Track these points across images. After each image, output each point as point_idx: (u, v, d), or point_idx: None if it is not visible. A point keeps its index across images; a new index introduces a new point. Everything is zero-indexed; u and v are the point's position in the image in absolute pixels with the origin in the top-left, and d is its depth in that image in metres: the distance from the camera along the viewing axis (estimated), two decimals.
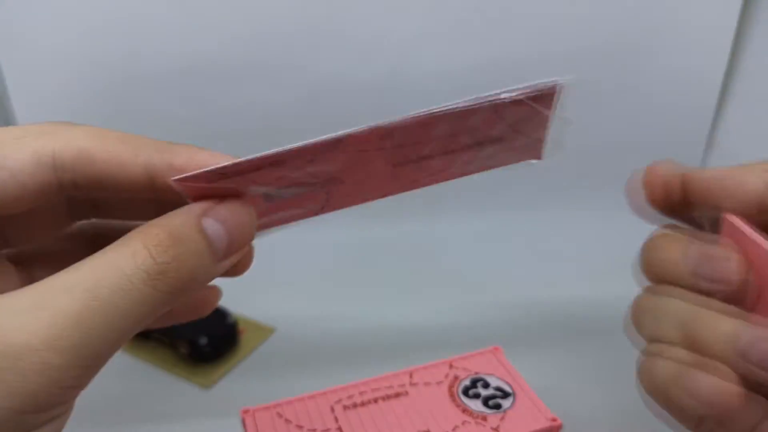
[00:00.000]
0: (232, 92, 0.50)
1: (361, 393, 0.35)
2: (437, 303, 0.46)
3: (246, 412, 0.33)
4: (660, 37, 0.51)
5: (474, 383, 0.35)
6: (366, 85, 0.50)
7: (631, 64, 0.52)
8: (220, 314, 0.41)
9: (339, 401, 0.34)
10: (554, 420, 0.33)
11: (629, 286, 0.45)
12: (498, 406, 0.34)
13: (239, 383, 0.39)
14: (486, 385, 0.35)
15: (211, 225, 0.19)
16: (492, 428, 0.32)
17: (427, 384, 0.35)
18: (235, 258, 0.20)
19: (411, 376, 0.36)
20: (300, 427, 0.33)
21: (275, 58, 0.49)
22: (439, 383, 0.35)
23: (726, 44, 0.51)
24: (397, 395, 0.34)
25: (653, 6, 0.50)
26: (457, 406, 0.34)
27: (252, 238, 0.21)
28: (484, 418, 0.33)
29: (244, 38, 0.49)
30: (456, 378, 0.36)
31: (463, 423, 0.33)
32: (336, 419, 0.33)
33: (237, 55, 0.49)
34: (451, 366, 0.37)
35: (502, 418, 0.33)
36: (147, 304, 0.18)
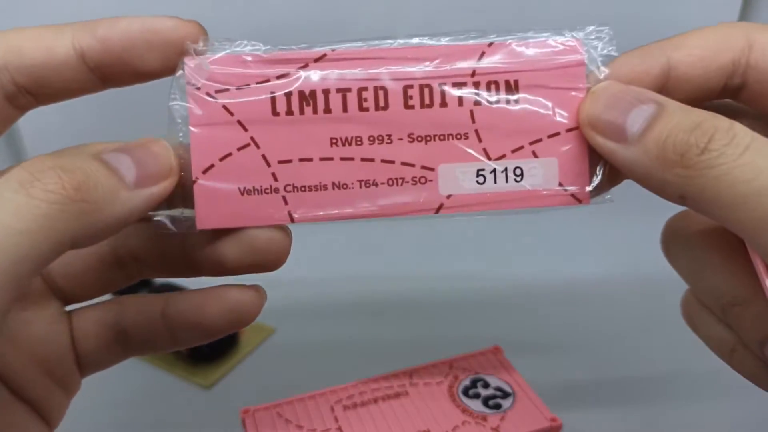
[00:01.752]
0: None
1: (361, 393, 0.35)
2: (437, 303, 0.46)
3: (246, 412, 0.33)
4: (659, 37, 0.51)
5: (474, 383, 0.35)
6: None
7: None
8: None
9: (339, 401, 0.34)
10: (554, 420, 0.33)
11: (630, 286, 0.45)
12: (498, 406, 0.34)
13: (239, 383, 0.39)
14: (486, 385, 0.35)
15: (111, 155, 0.18)
16: (492, 428, 0.32)
17: (427, 384, 0.35)
18: (158, 189, 0.19)
19: (411, 376, 0.36)
20: (300, 427, 0.33)
21: None
22: (439, 383, 0.35)
23: None
24: (397, 395, 0.34)
25: (652, 6, 0.50)
26: (457, 406, 0.34)
27: (170, 167, 0.19)
28: (484, 418, 0.33)
29: (244, 36, 0.49)
30: (456, 378, 0.36)
31: (463, 423, 0.33)
32: (336, 419, 0.33)
33: None
34: (451, 366, 0.37)
35: (502, 418, 0.33)
36: (24, 216, 0.16)
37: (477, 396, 0.34)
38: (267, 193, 0.20)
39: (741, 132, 0.17)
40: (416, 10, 0.49)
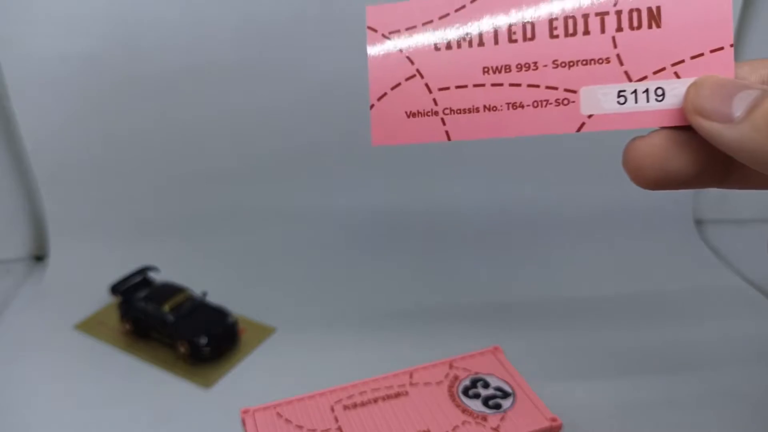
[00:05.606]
0: (233, 91, 0.50)
1: (361, 393, 0.35)
2: (437, 302, 0.46)
3: (246, 412, 0.33)
4: None
5: (474, 383, 0.35)
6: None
7: None
8: (220, 314, 0.41)
9: (339, 401, 0.34)
10: (554, 420, 0.33)
11: (630, 285, 0.45)
12: (498, 406, 0.34)
13: (239, 383, 0.39)
14: (486, 385, 0.35)
15: None
16: (492, 428, 0.32)
17: (427, 384, 0.35)
18: None
19: (411, 376, 0.36)
20: (300, 427, 0.33)
21: (276, 56, 0.49)
22: (439, 383, 0.35)
23: None
24: (397, 395, 0.34)
25: None
26: (457, 406, 0.34)
27: None
28: (484, 418, 0.33)
29: (244, 37, 0.49)
30: (456, 378, 0.36)
31: (463, 423, 0.33)
32: (336, 419, 0.33)
33: (238, 54, 0.49)
34: (451, 366, 0.37)
35: (502, 418, 0.33)
36: None
37: (477, 396, 0.34)
38: (428, 116, 0.23)
39: None
40: None
